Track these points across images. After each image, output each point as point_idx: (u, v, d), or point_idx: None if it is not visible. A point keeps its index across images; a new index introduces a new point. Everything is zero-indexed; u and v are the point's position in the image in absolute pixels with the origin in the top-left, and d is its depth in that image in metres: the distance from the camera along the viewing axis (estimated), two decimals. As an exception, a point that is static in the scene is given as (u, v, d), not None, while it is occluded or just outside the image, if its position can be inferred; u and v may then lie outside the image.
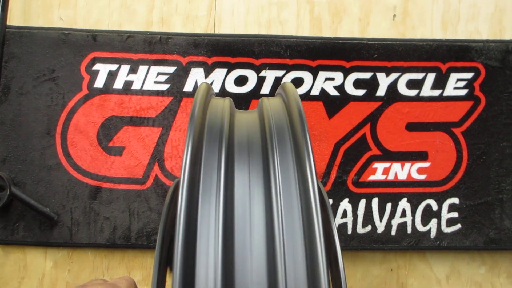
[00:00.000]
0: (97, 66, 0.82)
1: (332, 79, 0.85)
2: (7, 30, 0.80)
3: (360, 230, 0.82)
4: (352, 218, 0.82)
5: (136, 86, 0.82)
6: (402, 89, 0.84)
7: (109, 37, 0.82)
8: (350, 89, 0.84)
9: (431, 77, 0.84)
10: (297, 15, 0.88)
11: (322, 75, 0.84)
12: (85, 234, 0.80)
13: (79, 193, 0.81)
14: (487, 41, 0.86)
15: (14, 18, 0.84)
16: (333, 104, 0.84)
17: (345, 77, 0.84)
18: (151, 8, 0.86)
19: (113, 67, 0.82)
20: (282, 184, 0.31)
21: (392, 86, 0.84)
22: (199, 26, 0.86)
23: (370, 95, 0.84)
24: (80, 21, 0.85)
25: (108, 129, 0.82)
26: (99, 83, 0.82)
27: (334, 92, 0.84)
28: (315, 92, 0.84)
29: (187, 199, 0.30)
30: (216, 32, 0.86)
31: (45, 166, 0.81)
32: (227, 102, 0.46)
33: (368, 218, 0.82)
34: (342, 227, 0.82)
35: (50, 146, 0.81)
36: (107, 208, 0.81)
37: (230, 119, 0.40)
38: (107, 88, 0.82)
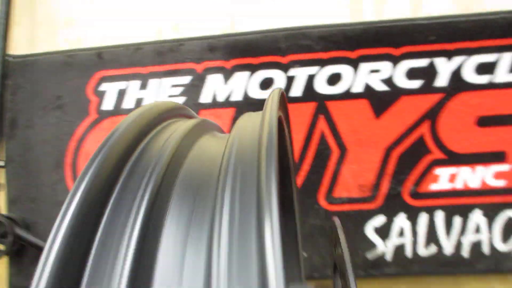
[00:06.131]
0: (104, 86, 0.73)
1: (377, 71, 0.69)
2: (12, 59, 0.74)
3: (422, 251, 0.69)
4: (411, 238, 0.69)
5: (148, 102, 0.73)
6: (470, 76, 0.67)
7: (115, 53, 0.73)
8: (401, 82, 0.69)
9: (507, 58, 0.66)
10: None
11: (364, 67, 0.70)
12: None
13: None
14: None
15: (21, 47, 0.77)
16: (381, 101, 0.70)
17: (394, 67, 0.69)
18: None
19: (122, 85, 0.73)
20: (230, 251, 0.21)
21: (456, 74, 0.68)
22: (217, 28, 0.74)
23: (428, 87, 0.69)
24: (86, 40, 0.76)
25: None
26: (108, 104, 0.74)
27: (381, 87, 0.70)
28: (358, 88, 0.70)
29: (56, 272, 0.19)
30: (236, 31, 0.73)
31: (57, 202, 0.75)
32: (187, 124, 0.33)
33: (431, 236, 0.69)
34: (399, 249, 0.69)
35: (61, 180, 0.75)
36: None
37: (176, 149, 0.28)
38: (117, 109, 0.74)
